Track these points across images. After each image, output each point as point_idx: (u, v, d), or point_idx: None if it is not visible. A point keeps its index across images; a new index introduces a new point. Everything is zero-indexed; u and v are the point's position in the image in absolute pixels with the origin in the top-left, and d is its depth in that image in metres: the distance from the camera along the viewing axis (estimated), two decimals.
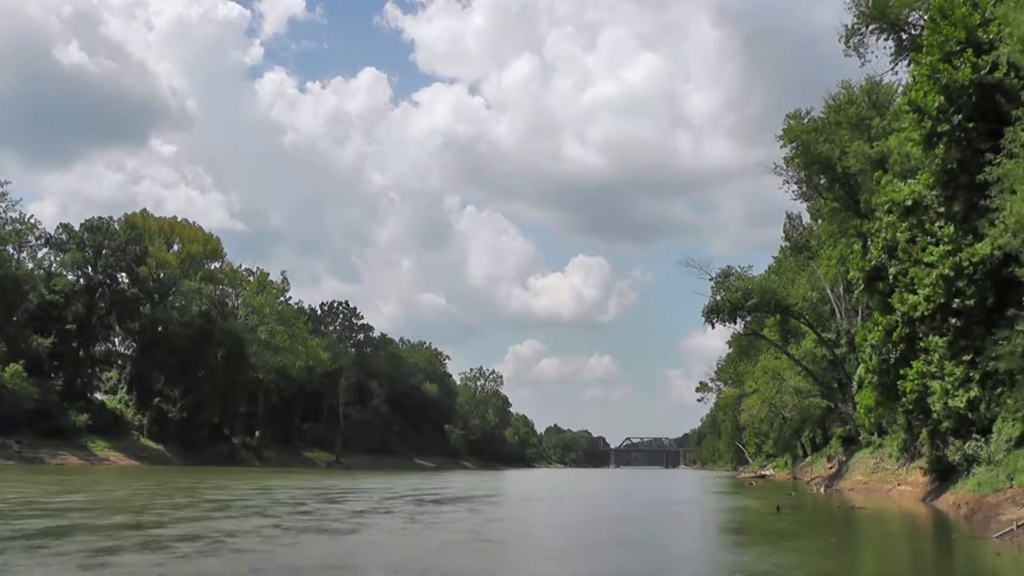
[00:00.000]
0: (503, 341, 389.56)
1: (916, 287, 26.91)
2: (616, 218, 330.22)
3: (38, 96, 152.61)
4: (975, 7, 25.11)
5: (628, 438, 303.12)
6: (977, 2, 25.23)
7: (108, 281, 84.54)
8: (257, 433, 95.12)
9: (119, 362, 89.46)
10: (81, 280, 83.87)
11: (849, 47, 42.06)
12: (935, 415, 27.04)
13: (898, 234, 28.63)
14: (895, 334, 29.22)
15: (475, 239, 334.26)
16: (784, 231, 78.01)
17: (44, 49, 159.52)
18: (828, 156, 45.66)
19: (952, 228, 25.78)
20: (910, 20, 40.02)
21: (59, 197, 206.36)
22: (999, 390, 24.07)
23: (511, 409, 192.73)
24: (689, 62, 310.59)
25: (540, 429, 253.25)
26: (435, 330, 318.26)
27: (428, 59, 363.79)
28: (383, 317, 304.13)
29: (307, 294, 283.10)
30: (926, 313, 26.43)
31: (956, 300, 25.09)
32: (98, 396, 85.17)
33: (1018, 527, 16.62)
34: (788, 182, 50.93)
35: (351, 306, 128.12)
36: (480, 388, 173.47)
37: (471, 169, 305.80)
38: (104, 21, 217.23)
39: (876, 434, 44.83)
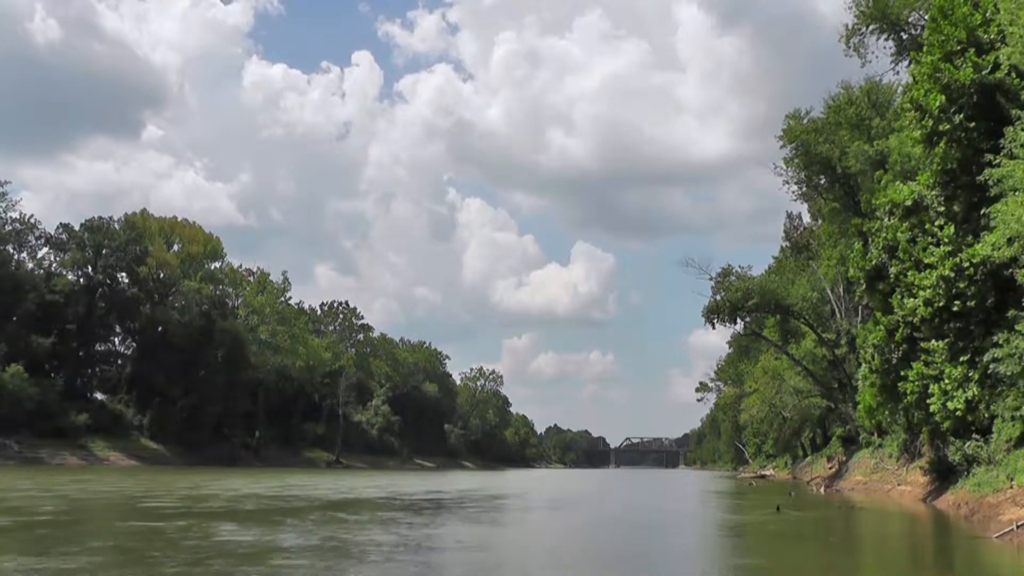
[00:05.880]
0: (499, 337, 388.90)
1: (915, 290, 26.85)
2: (614, 211, 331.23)
3: (24, 81, 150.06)
4: (976, 7, 25.08)
5: (628, 438, 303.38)
6: (978, 2, 25.21)
7: (108, 281, 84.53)
8: (257, 433, 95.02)
9: (119, 362, 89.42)
10: (81, 280, 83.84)
11: (849, 47, 42.07)
12: (935, 416, 27.00)
13: (898, 234, 28.58)
14: (897, 334, 29.17)
15: (472, 229, 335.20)
16: (784, 231, 78.28)
17: (18, 29, 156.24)
18: (828, 156, 45.66)
19: (952, 228, 25.75)
20: (910, 20, 40.03)
21: (48, 189, 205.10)
22: (999, 390, 24.01)
23: (511, 409, 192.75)
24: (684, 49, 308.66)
25: (540, 429, 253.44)
26: (431, 326, 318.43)
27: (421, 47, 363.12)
28: (376, 311, 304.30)
29: (303, 288, 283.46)
30: (925, 317, 26.39)
31: (956, 302, 25.04)
32: (98, 396, 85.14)
33: (1018, 527, 16.60)
34: (788, 182, 50.96)
35: (351, 306, 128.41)
36: (480, 388, 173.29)
37: (466, 159, 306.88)
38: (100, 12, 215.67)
39: (876, 434, 44.79)
